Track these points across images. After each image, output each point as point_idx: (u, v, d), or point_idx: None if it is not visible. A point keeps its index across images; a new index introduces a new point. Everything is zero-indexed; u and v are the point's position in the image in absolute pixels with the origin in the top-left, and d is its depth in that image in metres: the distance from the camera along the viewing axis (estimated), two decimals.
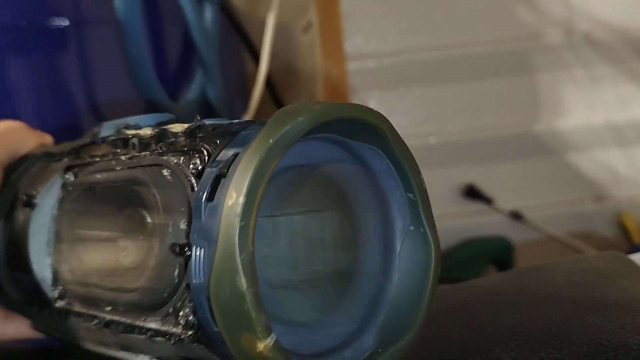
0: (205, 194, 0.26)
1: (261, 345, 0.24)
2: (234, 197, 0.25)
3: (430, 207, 0.30)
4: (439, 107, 1.11)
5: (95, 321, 0.31)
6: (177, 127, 0.30)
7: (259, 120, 0.28)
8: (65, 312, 0.34)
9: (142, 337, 0.29)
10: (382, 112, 1.08)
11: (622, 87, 1.12)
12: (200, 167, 0.27)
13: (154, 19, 0.66)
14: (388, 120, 0.29)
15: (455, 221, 1.10)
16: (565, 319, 0.30)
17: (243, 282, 0.24)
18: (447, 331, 0.32)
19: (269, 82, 0.84)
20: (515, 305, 0.34)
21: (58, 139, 0.41)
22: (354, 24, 1.05)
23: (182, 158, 0.28)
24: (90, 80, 0.62)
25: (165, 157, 0.29)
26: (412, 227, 0.30)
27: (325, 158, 0.29)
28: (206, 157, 0.27)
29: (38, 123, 0.59)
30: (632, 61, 1.12)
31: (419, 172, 0.30)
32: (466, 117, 1.11)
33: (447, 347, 0.31)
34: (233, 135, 0.27)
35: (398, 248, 0.30)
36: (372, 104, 1.10)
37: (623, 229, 1.11)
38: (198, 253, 0.25)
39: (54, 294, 0.34)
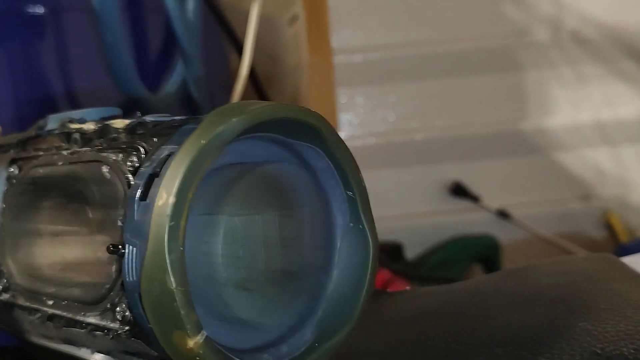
0: (138, 193, 0.26)
1: (191, 342, 0.25)
2: (164, 197, 0.25)
3: (369, 204, 0.31)
4: (425, 103, 1.10)
5: (38, 315, 0.32)
6: (119, 123, 0.31)
7: (200, 117, 0.28)
8: (10, 305, 0.34)
9: (82, 331, 0.29)
10: (368, 108, 1.06)
11: (609, 86, 1.11)
12: (137, 165, 0.28)
13: (133, 7, 0.64)
14: (326, 121, 0.29)
15: (441, 219, 1.09)
16: (555, 325, 0.29)
17: (172, 281, 0.25)
18: (426, 335, 0.31)
19: (253, 76, 0.82)
20: (500, 309, 0.32)
21: (33, 124, 0.40)
22: (341, 17, 1.04)
23: (121, 155, 0.29)
24: (66, 69, 0.61)
25: (104, 154, 0.30)
26: (351, 224, 0.31)
27: (266, 157, 0.30)
28: (143, 155, 0.28)
29: (13, 111, 0.57)
30: (619, 60, 1.11)
31: (358, 170, 0.31)
32: (453, 113, 1.10)
33: (427, 352, 0.29)
34: (171, 134, 0.28)
35: (338, 245, 0.31)
36: (359, 99, 1.09)
37: (609, 229, 1.11)
38: (130, 251, 0.26)
39: None
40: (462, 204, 1.09)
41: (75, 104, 0.60)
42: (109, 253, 0.27)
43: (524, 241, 1.08)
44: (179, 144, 0.26)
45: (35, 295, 0.32)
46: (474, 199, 1.08)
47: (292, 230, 0.29)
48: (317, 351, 0.29)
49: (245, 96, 0.81)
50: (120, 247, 0.26)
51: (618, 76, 1.11)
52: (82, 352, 0.31)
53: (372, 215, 0.31)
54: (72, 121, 0.33)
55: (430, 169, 1.10)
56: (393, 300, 0.39)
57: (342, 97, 1.08)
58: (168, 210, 0.25)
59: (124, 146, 0.29)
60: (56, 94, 0.60)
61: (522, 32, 1.10)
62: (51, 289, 0.31)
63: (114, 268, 0.27)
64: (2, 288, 0.34)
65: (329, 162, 0.30)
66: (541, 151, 1.11)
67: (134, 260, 0.26)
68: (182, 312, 0.25)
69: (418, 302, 0.37)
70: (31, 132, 0.35)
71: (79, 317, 0.29)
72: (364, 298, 0.30)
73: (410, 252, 1.04)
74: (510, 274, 0.38)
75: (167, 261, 0.25)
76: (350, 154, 0.31)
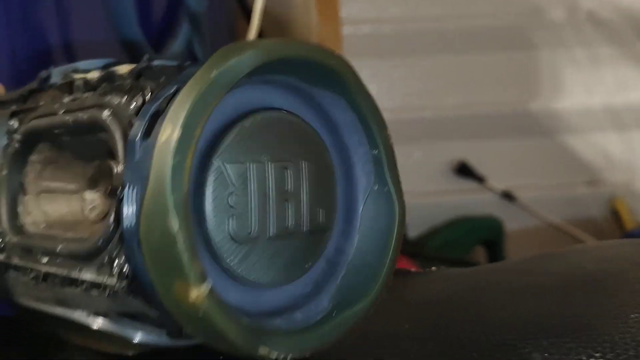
0: (140, 132, 0.24)
1: (194, 294, 0.22)
2: (168, 131, 0.22)
3: (396, 165, 0.28)
4: (434, 79, 1.07)
5: (32, 274, 0.29)
6: (124, 69, 0.28)
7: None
8: (4, 266, 0.31)
9: (77, 289, 0.27)
10: (375, 82, 1.02)
11: (622, 69, 1.09)
12: (140, 105, 0.25)
13: None
14: (352, 66, 0.27)
15: (445, 198, 1.07)
16: (603, 315, 0.27)
17: (174, 224, 0.22)
18: (460, 324, 0.28)
19: (260, 39, 0.79)
20: (541, 295, 0.30)
21: (31, 79, 0.38)
22: None
23: (125, 97, 0.26)
24: (66, 20, 0.58)
25: (107, 98, 0.27)
26: (376, 187, 0.28)
27: (280, 105, 0.27)
28: (148, 96, 0.25)
29: (10, 62, 0.54)
30: (634, 43, 1.08)
31: (386, 127, 0.28)
32: (462, 91, 1.07)
33: (462, 343, 0.27)
34: (179, 73, 0.25)
35: (360, 208, 0.28)
36: (366, 72, 1.05)
37: (615, 215, 1.09)
38: (129, 194, 0.23)
39: None
40: (467, 184, 1.07)
41: (73, 56, 0.58)
42: (107, 197, 0.24)
43: (528, 224, 1.06)
44: (187, 81, 0.24)
45: (29, 253, 0.30)
46: (480, 179, 1.06)
47: (301, 187, 0.26)
48: (334, 320, 0.26)
49: None
50: (119, 190, 0.24)
51: (633, 60, 1.08)
52: (76, 314, 0.28)
53: (399, 177, 0.28)
54: (76, 71, 0.31)
55: (436, 148, 1.07)
56: (420, 280, 0.36)
57: None
58: (172, 145, 0.22)
59: (128, 88, 0.26)
60: (56, 49, 0.58)
61: (537, 10, 1.06)
62: (45, 244, 0.29)
63: (111, 218, 0.24)
64: None
65: (353, 116, 0.27)
66: (550, 134, 1.08)
67: (133, 203, 0.23)
68: (184, 258, 0.22)
69: (447, 285, 0.34)
70: (32, 85, 0.33)
71: (74, 274, 0.27)
72: (387, 267, 0.27)
73: (412, 232, 1.01)
74: (543, 259, 0.36)
75: (169, 201, 0.22)
76: (378, 108, 0.27)
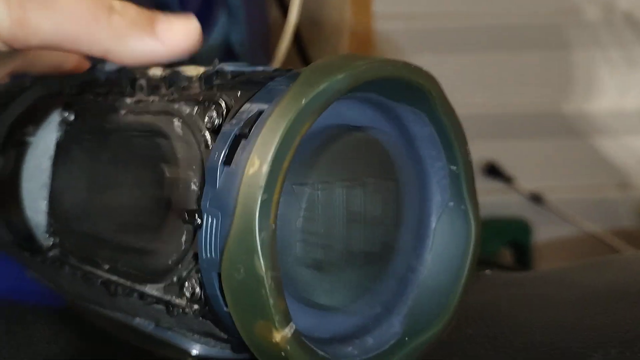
0: (222, 156, 0.23)
1: (278, 336, 0.21)
2: (256, 164, 0.21)
3: (474, 182, 0.27)
4: (465, 77, 1.05)
5: (91, 278, 0.29)
6: (192, 70, 0.27)
7: (288, 70, 0.25)
8: (60, 263, 0.31)
9: (140, 302, 0.26)
10: None
11: None
12: (216, 122, 0.24)
13: None
14: (437, 81, 0.26)
15: None
16: None
17: (261, 264, 0.21)
18: (524, 329, 0.27)
19: (295, 33, 0.78)
20: (607, 303, 0.29)
21: None
22: None
23: (196, 108, 0.25)
24: None
25: (176, 105, 0.26)
26: (451, 203, 0.27)
27: (358, 120, 0.26)
28: (224, 111, 0.24)
29: None
30: None
31: (466, 143, 0.27)
32: (493, 90, 1.06)
33: (524, 347, 0.26)
34: (257, 87, 0.24)
35: (433, 225, 0.27)
36: None
37: None
38: (210, 223, 0.22)
39: (48, 242, 0.31)
40: (495, 185, 1.05)
41: None
42: (184, 222, 0.23)
43: (557, 227, 1.05)
44: (270, 100, 0.22)
45: (88, 256, 0.29)
46: (508, 179, 1.05)
47: (379, 206, 0.26)
48: (407, 346, 0.25)
49: (287, 58, 0.77)
50: (197, 216, 0.23)
51: None
52: (136, 322, 0.27)
53: (476, 195, 0.27)
54: None
55: None
56: (475, 284, 0.35)
57: None
58: (261, 181, 0.21)
59: (200, 98, 0.25)
60: None
61: (573, 10, 1.05)
62: (107, 252, 0.28)
63: (183, 238, 0.24)
64: (52, 244, 0.31)
65: (433, 130, 0.26)
66: (582, 135, 1.07)
67: (214, 235, 0.22)
68: (271, 300, 0.21)
69: (503, 291, 0.33)
70: (87, 74, 0.32)
71: (138, 287, 0.26)
72: (461, 288, 0.26)
73: None
74: (602, 265, 0.35)
75: (257, 241, 0.21)
76: (459, 122, 0.26)
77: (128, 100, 0.28)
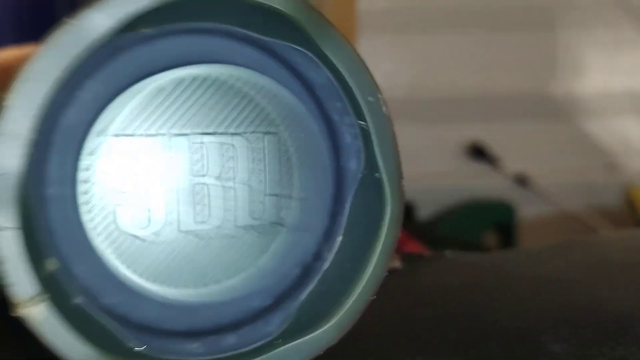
0: None
1: (22, 305, 0.18)
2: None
3: (393, 144, 0.21)
4: (451, 57, 1.04)
5: None
6: None
7: None
8: None
9: None
10: (389, 57, 0.98)
11: None
12: None
13: None
14: (313, 8, 0.20)
15: (456, 181, 1.04)
16: (630, 307, 0.25)
17: None
18: (476, 309, 0.26)
19: None
20: (565, 284, 0.28)
21: None
22: None
23: None
24: None
25: None
26: (365, 172, 0.21)
27: (250, 65, 0.21)
28: None
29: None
30: None
31: (376, 90, 0.21)
32: (479, 70, 1.05)
33: (475, 329, 0.25)
34: None
35: (348, 200, 0.22)
36: (381, 48, 1.03)
37: (630, 204, 1.06)
38: None
39: None
40: (479, 167, 1.04)
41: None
42: None
43: (542, 210, 1.04)
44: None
45: None
46: (493, 161, 1.04)
47: (260, 168, 0.21)
48: (274, 350, 0.20)
49: None
50: None
51: None
52: None
53: (398, 161, 0.21)
54: None
55: (450, 128, 1.04)
56: (434, 265, 0.34)
57: (364, 45, 1.02)
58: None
59: None
60: None
61: None
62: None
63: None
64: None
65: (331, 76, 0.21)
66: (568, 117, 1.06)
67: None
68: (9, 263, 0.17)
69: (463, 270, 0.32)
70: None
71: None
72: (364, 284, 0.20)
73: (422, 214, 0.99)
74: (564, 247, 0.34)
75: None
76: (363, 64, 0.21)
77: None
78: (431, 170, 1.04)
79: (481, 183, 1.04)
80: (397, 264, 0.37)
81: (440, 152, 1.05)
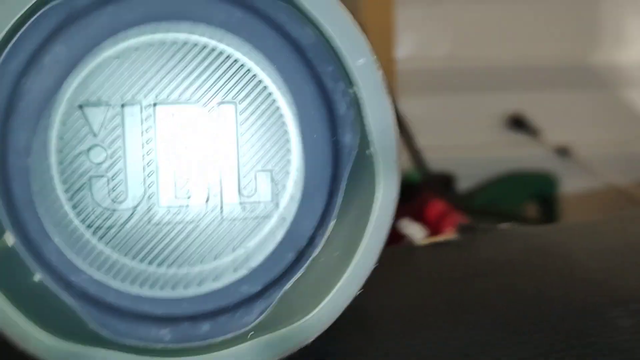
0: None
1: None
2: None
3: (388, 112, 0.19)
4: (491, 27, 1.03)
5: None
6: None
7: None
8: None
9: None
10: (426, 29, 0.97)
11: None
12: None
13: None
14: None
15: (497, 152, 1.04)
16: None
17: None
18: (540, 283, 0.27)
19: None
20: (634, 260, 0.28)
21: None
22: None
23: None
24: None
25: None
26: (360, 147, 0.19)
27: (233, 24, 0.19)
28: None
29: None
30: None
31: (367, 51, 0.19)
32: (519, 40, 1.03)
33: (542, 303, 0.25)
34: None
35: (344, 179, 0.20)
36: (417, 20, 1.02)
37: None
38: None
39: None
40: (520, 138, 1.03)
41: None
42: None
43: (584, 181, 1.03)
44: None
45: None
46: (534, 132, 1.03)
47: (281, 139, 0.19)
48: (244, 343, 0.19)
49: None
50: None
51: None
52: None
53: (391, 131, 0.19)
54: None
55: (489, 99, 1.03)
56: (488, 238, 0.35)
57: (401, 15, 1.02)
58: None
59: None
60: None
61: None
62: None
63: None
64: None
65: (319, 35, 0.19)
66: (610, 87, 1.04)
67: None
68: None
69: (520, 243, 0.32)
70: None
71: None
72: (349, 277, 0.19)
73: (462, 185, 0.99)
74: (635, 218, 0.33)
75: None
76: (349, 17, 0.18)
77: None
78: (471, 141, 1.03)
79: (522, 155, 1.03)
80: (451, 235, 0.37)
81: (480, 124, 1.04)
